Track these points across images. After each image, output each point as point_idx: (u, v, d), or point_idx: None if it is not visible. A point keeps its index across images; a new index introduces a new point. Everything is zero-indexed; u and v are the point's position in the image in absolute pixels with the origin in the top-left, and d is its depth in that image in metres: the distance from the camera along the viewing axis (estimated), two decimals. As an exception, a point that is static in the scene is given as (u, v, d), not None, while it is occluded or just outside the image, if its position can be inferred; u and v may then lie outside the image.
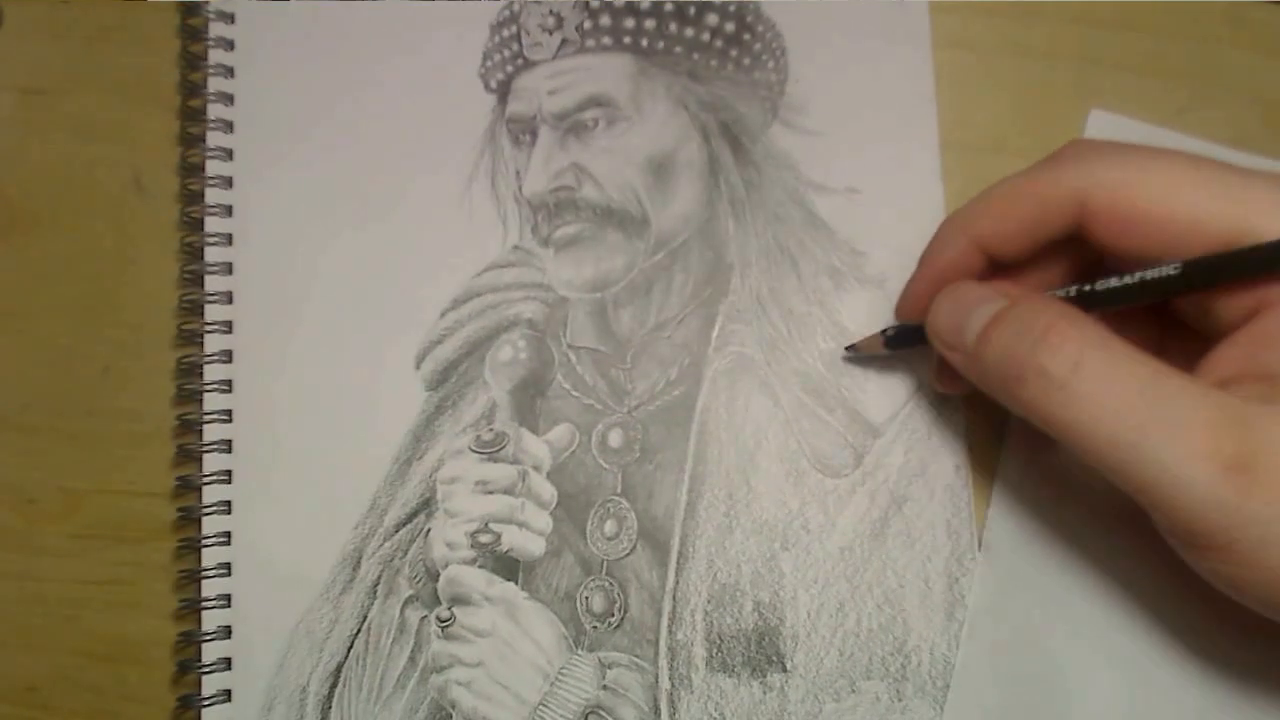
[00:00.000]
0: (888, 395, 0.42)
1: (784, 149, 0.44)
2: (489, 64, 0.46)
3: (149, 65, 0.46)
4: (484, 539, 0.42)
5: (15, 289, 0.45)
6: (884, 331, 0.41)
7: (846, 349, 0.42)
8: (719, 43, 0.45)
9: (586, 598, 0.42)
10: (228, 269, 0.44)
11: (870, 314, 0.43)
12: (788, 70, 0.45)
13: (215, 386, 0.43)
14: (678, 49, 0.45)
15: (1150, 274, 0.34)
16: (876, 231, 0.44)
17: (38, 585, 0.43)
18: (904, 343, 0.41)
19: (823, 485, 0.42)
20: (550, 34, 0.46)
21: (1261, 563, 0.31)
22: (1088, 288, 0.35)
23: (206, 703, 0.41)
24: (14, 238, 0.45)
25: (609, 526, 0.42)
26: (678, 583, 0.41)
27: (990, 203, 0.37)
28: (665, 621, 0.41)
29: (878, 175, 0.44)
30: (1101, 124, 0.44)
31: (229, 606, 0.42)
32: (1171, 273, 0.33)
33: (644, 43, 0.45)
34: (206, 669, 0.42)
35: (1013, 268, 0.38)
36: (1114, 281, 0.35)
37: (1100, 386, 0.32)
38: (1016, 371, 0.33)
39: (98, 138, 0.46)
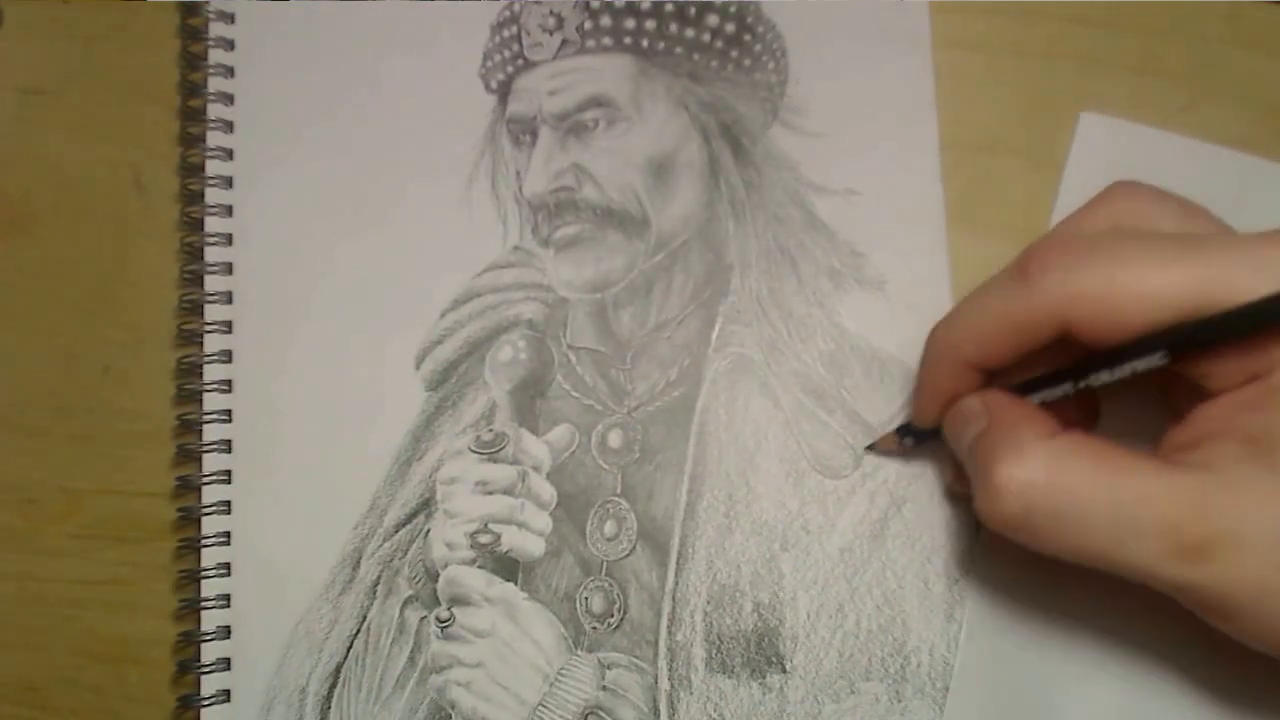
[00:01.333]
0: (887, 397, 0.42)
1: (784, 150, 0.44)
2: (489, 64, 0.45)
3: (149, 65, 0.46)
4: (483, 539, 0.42)
5: (15, 289, 0.44)
6: (898, 431, 0.41)
7: (866, 449, 0.42)
8: (719, 43, 0.45)
9: (586, 598, 0.41)
10: (228, 269, 0.44)
11: (870, 316, 0.42)
12: (788, 71, 0.44)
13: (215, 386, 0.43)
14: (678, 49, 0.44)
15: (1140, 365, 0.33)
16: (876, 233, 0.43)
17: (38, 585, 0.42)
18: (916, 442, 0.40)
19: (822, 486, 0.41)
20: (551, 34, 0.45)
21: (1251, 623, 0.32)
22: (1081, 384, 0.35)
23: (206, 703, 0.41)
24: (14, 238, 0.45)
25: (609, 527, 0.42)
26: (677, 583, 0.41)
27: (971, 328, 0.36)
28: (665, 622, 0.41)
29: (877, 177, 0.43)
30: (1091, 127, 0.43)
31: (228, 607, 0.42)
32: (1160, 363, 0.33)
33: (644, 43, 0.45)
34: (206, 669, 0.41)
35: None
36: (1105, 376, 0.34)
37: (1053, 520, 0.33)
38: (983, 485, 0.34)
39: (98, 138, 0.45)
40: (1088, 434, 0.34)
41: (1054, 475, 0.33)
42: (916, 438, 0.40)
